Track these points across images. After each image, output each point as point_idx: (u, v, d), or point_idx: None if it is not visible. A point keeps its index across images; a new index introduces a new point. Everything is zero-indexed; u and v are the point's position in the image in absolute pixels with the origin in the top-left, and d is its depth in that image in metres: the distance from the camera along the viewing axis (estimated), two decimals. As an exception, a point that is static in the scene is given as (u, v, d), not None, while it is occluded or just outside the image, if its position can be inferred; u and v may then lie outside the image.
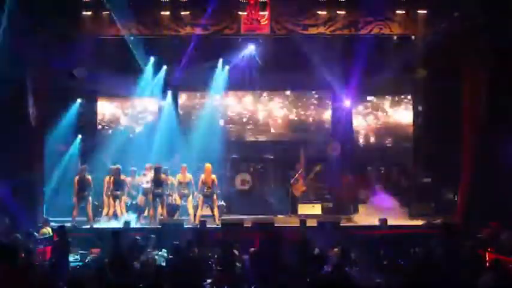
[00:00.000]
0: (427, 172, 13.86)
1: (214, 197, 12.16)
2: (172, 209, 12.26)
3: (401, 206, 13.03)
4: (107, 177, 12.30)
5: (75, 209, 11.87)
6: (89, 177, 12.15)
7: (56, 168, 13.12)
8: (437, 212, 12.63)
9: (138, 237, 9.28)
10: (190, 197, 12.28)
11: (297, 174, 13.36)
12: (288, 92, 15.50)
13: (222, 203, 12.71)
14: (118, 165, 12.47)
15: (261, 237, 9.32)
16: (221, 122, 15.40)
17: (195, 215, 12.02)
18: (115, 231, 9.01)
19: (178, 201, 12.36)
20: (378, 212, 12.18)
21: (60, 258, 8.55)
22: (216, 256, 8.42)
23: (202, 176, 12.13)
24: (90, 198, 12.07)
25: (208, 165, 12.18)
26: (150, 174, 12.42)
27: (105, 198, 12.21)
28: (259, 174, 14.30)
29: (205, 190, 12.04)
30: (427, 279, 6.41)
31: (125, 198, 12.38)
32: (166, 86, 14.52)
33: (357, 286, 6.27)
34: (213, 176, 12.16)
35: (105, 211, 12.15)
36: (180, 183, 12.34)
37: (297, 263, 7.65)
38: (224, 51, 13.78)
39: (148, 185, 12.33)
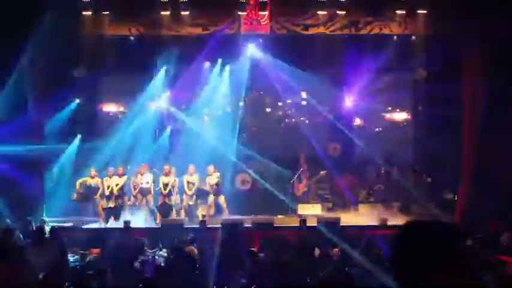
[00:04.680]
0: (427, 172, 13.84)
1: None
2: (166, 209, 12.28)
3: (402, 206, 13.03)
4: (105, 180, 12.36)
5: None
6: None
7: (56, 168, 13.13)
8: (437, 212, 12.60)
9: (138, 237, 9.29)
10: (195, 197, 12.36)
11: (297, 173, 13.37)
12: (287, 92, 15.46)
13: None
14: (112, 168, 12.51)
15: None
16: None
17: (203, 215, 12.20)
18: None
19: (176, 201, 12.42)
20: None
21: (58, 258, 8.51)
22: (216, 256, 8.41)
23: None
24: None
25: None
26: (149, 174, 12.44)
27: (102, 201, 12.28)
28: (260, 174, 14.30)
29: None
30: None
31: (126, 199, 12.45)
32: (166, 86, 14.51)
33: (357, 286, 6.26)
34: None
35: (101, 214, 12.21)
36: (188, 182, 12.40)
37: (297, 263, 7.65)
38: (224, 51, 13.76)
39: (148, 185, 12.35)
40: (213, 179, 12.44)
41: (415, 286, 1.81)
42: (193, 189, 12.34)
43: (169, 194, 12.30)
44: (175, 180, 12.40)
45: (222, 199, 12.42)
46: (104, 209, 12.26)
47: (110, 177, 12.36)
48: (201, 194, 12.59)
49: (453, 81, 12.31)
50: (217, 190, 12.43)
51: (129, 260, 7.98)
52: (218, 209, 12.53)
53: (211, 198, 12.39)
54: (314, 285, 6.37)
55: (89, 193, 12.32)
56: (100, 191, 12.28)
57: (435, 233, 1.85)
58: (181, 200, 12.53)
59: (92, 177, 12.28)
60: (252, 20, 11.89)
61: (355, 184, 13.86)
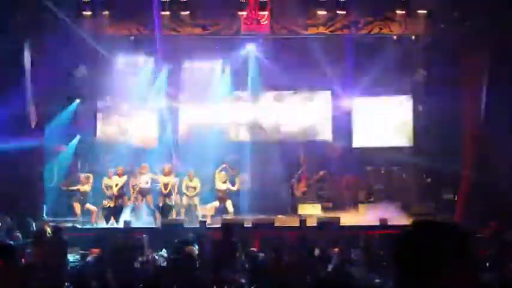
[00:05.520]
0: (427, 172, 13.84)
1: None
2: (166, 209, 12.28)
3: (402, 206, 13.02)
4: (105, 180, 12.36)
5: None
6: None
7: (56, 168, 13.13)
8: (437, 212, 12.62)
9: (138, 237, 9.29)
10: (196, 199, 12.35)
11: (297, 174, 13.37)
12: (288, 92, 15.44)
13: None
14: (111, 169, 12.52)
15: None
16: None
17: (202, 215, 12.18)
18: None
19: (176, 201, 12.43)
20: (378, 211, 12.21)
21: (58, 258, 8.52)
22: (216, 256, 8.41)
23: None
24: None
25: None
26: (149, 175, 12.45)
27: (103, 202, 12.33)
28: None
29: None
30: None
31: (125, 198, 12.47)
32: (167, 86, 14.50)
33: (357, 286, 6.26)
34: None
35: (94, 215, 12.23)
36: (187, 187, 12.40)
37: (297, 263, 7.65)
38: (224, 52, 13.76)
39: (147, 185, 12.36)
40: (222, 185, 12.53)
41: (419, 286, 1.81)
42: (194, 192, 12.33)
43: (169, 194, 12.32)
44: (175, 180, 12.39)
45: (229, 203, 12.45)
46: (104, 209, 12.27)
47: (110, 177, 12.36)
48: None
49: (453, 81, 12.32)
50: (227, 195, 12.50)
51: (129, 260, 7.98)
52: (220, 210, 12.53)
53: (216, 203, 12.44)
54: (314, 285, 6.36)
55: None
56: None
57: (440, 233, 1.86)
58: (181, 200, 12.52)
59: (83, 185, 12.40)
60: (252, 20, 11.89)
61: (355, 184, 13.85)
